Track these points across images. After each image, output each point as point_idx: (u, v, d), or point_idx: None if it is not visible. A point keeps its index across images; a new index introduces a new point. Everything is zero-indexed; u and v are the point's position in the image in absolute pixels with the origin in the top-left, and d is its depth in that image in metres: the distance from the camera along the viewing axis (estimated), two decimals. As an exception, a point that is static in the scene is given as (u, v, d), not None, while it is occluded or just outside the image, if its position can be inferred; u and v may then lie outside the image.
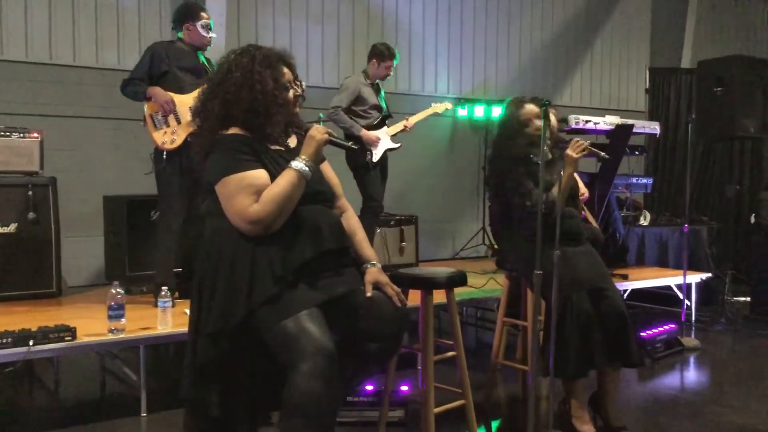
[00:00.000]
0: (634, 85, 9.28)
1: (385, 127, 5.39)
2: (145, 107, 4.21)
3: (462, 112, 7.88)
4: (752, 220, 6.96)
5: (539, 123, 3.32)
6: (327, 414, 2.19)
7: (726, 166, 7.43)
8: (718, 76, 5.99)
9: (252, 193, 2.27)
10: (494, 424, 3.35)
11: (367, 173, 5.22)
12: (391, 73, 5.47)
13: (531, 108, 3.36)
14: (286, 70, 2.50)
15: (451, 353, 3.01)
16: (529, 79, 8.52)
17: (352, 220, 2.64)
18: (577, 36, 9.05)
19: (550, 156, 3.40)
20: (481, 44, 8.27)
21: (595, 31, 9.22)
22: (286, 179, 2.31)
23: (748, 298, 6.02)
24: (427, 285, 2.85)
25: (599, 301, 3.12)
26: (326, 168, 2.62)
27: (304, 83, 2.66)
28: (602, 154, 3.26)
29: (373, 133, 5.25)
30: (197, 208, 3.45)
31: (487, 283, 4.75)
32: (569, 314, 3.06)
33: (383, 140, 5.31)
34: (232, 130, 2.39)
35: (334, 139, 2.47)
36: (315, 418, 2.14)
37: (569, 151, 3.18)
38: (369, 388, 3.31)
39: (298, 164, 2.33)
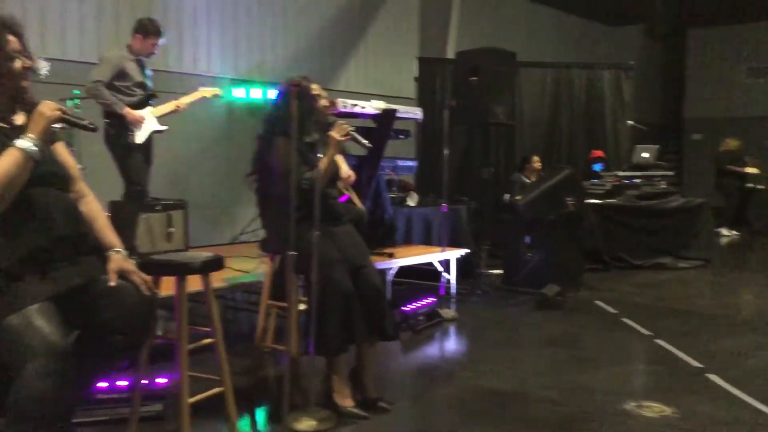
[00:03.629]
0: (405, 73, 9.71)
1: (151, 107, 5.10)
2: None
3: (238, 93, 7.72)
4: (506, 199, 7.65)
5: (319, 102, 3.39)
6: (59, 416, 2.03)
7: (484, 150, 8.06)
8: (473, 66, 6.47)
9: (-34, 174, 2.02)
10: (257, 408, 3.33)
11: (129, 156, 4.91)
12: (157, 52, 5.20)
13: (314, 87, 3.40)
14: (12, 38, 2.26)
15: (208, 340, 2.93)
16: (307, 62, 8.56)
17: (92, 205, 2.46)
18: (352, 23, 9.26)
19: (316, 136, 3.45)
20: (257, 25, 8.15)
21: (369, 19, 9.49)
22: (8, 159, 2.09)
23: (501, 271, 6.60)
24: (180, 271, 2.74)
25: (358, 279, 3.24)
26: (60, 149, 2.41)
27: (41, 58, 2.42)
28: (364, 141, 3.36)
29: (138, 113, 4.95)
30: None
31: (257, 267, 4.71)
32: (330, 292, 3.13)
33: (149, 121, 5.03)
34: (-56, 105, 2.11)
35: (68, 117, 2.27)
36: (45, 422, 1.98)
37: (333, 133, 3.23)
38: (123, 383, 3.12)
39: (24, 143, 2.12)
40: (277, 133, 3.29)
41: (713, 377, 3.88)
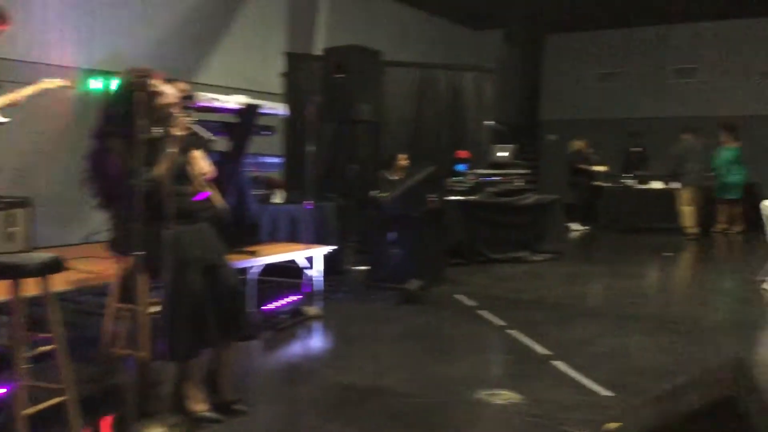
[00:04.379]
0: (272, 68, 9.60)
1: (-9, 98, 4.71)
2: None
3: (92, 84, 7.31)
4: (373, 196, 7.74)
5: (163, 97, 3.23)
6: None
7: (351, 148, 8.10)
8: (339, 63, 6.50)
9: None
10: (103, 417, 3.17)
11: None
12: None
13: (155, 81, 3.23)
14: None
15: (49, 347, 2.76)
16: (168, 54, 8.24)
17: None
18: (217, 14, 9.03)
19: (160, 132, 3.31)
20: (115, 12, 7.76)
21: (235, 12, 9.29)
22: None
23: (367, 267, 6.67)
24: (13, 273, 2.55)
25: (212, 280, 3.15)
26: None
27: None
28: (207, 135, 3.27)
29: (-28, 104, 4.55)
30: None
31: (106, 269, 4.47)
32: (181, 295, 3.03)
33: (-13, 113, 4.64)
34: None
35: None
36: None
37: (170, 129, 3.11)
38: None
39: None
40: (113, 131, 3.10)
41: (559, 364, 4.12)
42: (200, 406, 3.13)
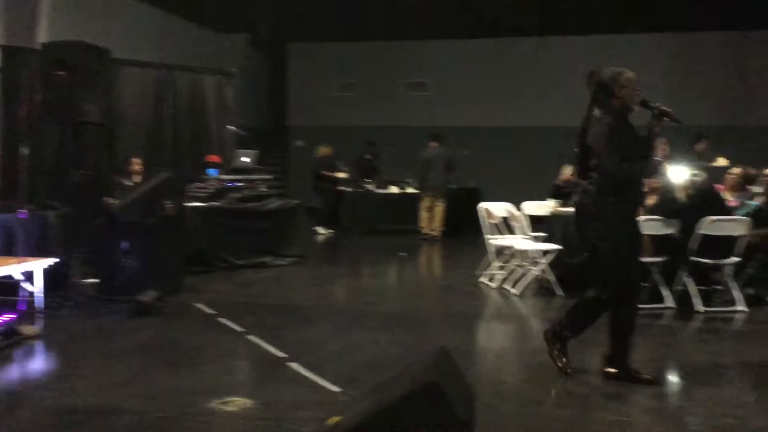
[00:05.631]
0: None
1: None
2: None
3: None
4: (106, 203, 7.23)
5: None
6: None
7: (77, 151, 7.49)
8: (61, 59, 5.98)
9: None
10: None
11: None
12: None
13: None
14: None
15: None
16: None
17: None
18: None
19: None
20: None
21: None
22: None
23: (97, 279, 6.21)
24: None
25: None
26: None
27: None
28: None
29: None
30: None
31: None
32: None
33: None
34: None
35: None
36: None
37: None
38: None
39: None
40: None
41: (294, 365, 4.20)
42: None
